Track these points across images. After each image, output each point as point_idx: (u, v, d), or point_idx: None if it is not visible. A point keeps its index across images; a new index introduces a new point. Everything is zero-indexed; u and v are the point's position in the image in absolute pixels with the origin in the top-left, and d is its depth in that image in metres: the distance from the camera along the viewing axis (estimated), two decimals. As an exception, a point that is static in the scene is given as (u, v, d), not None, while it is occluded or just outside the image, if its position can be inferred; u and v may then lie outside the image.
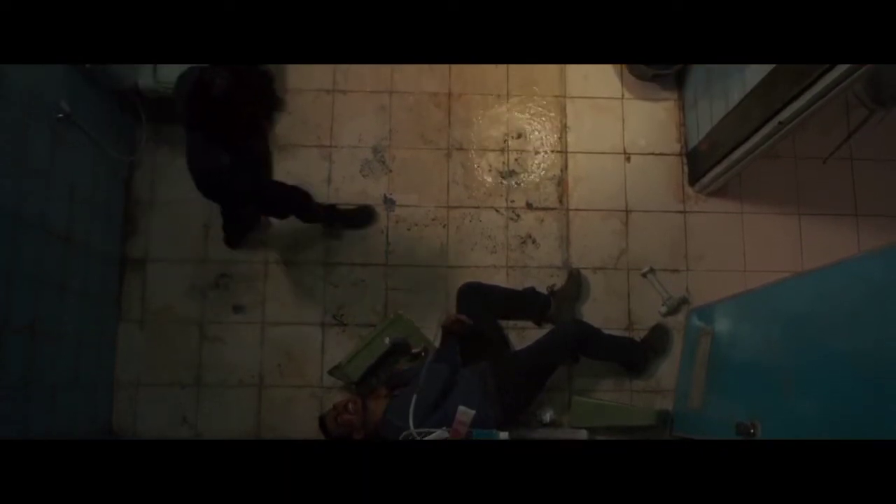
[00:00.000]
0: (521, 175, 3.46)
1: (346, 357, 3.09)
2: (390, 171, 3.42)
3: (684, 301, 3.32)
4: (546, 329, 3.22)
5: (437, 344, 3.03)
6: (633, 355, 3.19)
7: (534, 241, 3.39)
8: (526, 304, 3.25)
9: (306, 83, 3.49)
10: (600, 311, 3.31)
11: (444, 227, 3.38)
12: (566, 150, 3.49)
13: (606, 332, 3.14)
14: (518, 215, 3.41)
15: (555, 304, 3.23)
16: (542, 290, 3.28)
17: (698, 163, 3.34)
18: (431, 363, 2.79)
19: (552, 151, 3.49)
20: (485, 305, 3.16)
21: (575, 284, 3.27)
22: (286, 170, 3.38)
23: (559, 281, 3.31)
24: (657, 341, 3.24)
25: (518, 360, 3.01)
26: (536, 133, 3.51)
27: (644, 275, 3.34)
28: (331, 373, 3.12)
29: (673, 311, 3.31)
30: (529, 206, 3.42)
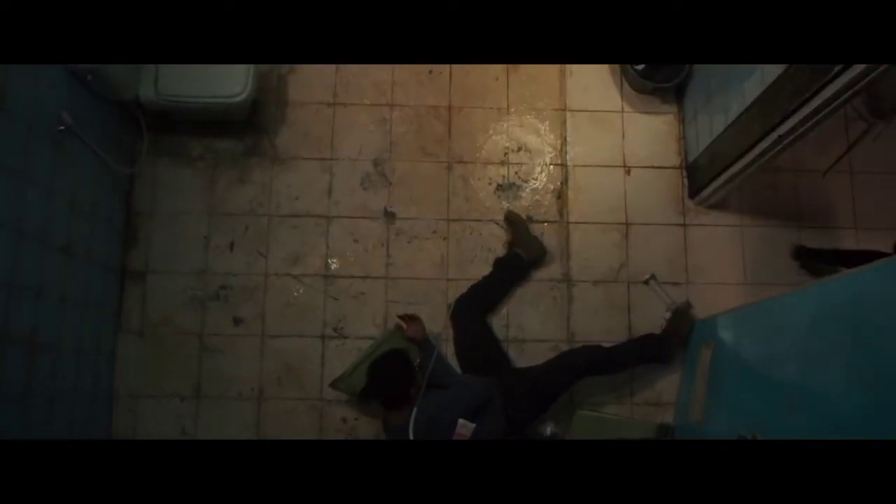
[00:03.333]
0: (522, 188, 3.46)
1: (348, 369, 3.05)
2: (391, 183, 3.43)
3: (688, 306, 3.31)
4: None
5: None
6: (658, 349, 3.17)
7: (534, 254, 3.38)
8: (503, 274, 3.27)
9: (307, 96, 3.51)
10: (601, 324, 3.30)
11: (444, 239, 3.38)
12: (566, 163, 3.50)
13: (624, 342, 3.19)
14: (518, 228, 3.41)
15: (515, 250, 3.29)
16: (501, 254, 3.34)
17: (698, 176, 3.35)
18: (430, 377, 2.79)
19: (552, 164, 3.50)
20: (480, 313, 3.19)
21: (514, 223, 3.33)
22: (287, 182, 3.39)
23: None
24: (680, 324, 3.20)
25: (527, 377, 3.00)
26: (537, 146, 3.52)
27: (646, 282, 3.34)
28: (333, 385, 3.09)
29: (677, 316, 3.30)
30: (530, 218, 3.41)
